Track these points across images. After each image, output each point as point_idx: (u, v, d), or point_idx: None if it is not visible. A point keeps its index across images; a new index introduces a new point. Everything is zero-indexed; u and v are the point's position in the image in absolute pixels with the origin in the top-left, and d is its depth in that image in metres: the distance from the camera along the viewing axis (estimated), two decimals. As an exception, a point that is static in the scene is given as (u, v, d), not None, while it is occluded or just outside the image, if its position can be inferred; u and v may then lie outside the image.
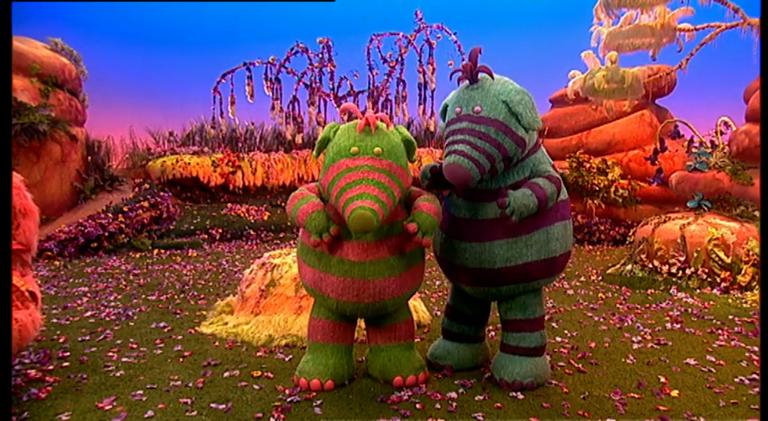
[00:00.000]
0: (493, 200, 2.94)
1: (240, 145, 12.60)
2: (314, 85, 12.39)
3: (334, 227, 2.80)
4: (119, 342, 3.95)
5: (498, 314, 3.29)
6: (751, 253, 5.70)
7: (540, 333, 3.15)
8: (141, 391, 3.01)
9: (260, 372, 3.32)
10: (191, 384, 3.13)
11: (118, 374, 3.28)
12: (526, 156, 3.03)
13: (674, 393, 2.99)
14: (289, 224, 10.72)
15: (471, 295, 3.28)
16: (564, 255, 3.13)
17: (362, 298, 2.84)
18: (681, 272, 5.82)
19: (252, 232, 10.50)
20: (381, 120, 2.86)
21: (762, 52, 5.30)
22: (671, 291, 5.63)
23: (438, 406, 2.82)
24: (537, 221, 2.96)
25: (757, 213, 6.17)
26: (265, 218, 10.96)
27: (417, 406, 2.82)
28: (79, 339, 4.01)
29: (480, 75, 2.93)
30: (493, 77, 2.94)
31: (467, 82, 2.98)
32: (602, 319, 4.61)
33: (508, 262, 2.95)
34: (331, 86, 12.47)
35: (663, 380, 3.20)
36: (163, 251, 8.83)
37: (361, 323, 3.40)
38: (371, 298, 2.85)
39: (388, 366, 3.11)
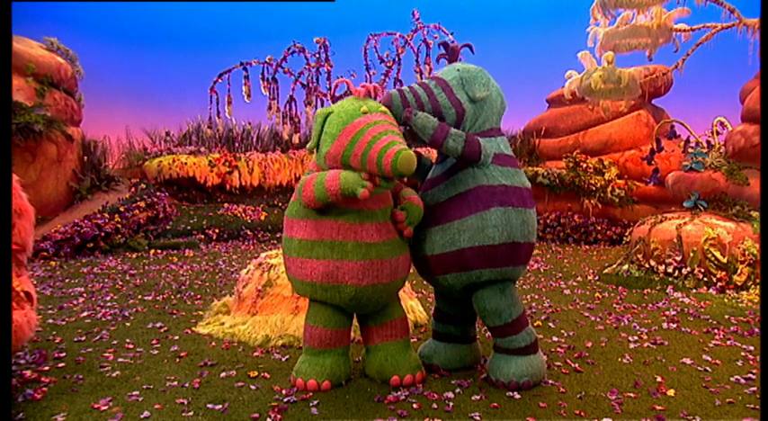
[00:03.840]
0: (434, 186, 3.14)
1: (237, 145, 12.57)
2: (311, 84, 12.36)
3: (365, 180, 2.76)
4: (115, 342, 3.94)
5: None
6: (747, 252, 5.71)
7: (526, 331, 3.11)
8: (137, 392, 3.00)
9: (257, 373, 3.31)
10: (187, 384, 3.12)
11: (114, 375, 3.28)
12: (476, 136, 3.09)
13: (671, 392, 3.00)
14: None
15: (447, 293, 3.30)
16: (505, 246, 2.93)
17: (381, 278, 2.94)
18: (677, 271, 5.84)
19: (249, 232, 10.49)
20: (374, 89, 3.07)
21: (762, 52, 5.32)
22: (667, 291, 5.64)
23: (435, 405, 2.82)
24: (469, 206, 2.95)
25: (753, 213, 6.19)
26: (262, 218, 10.94)
27: (414, 405, 2.82)
28: (75, 340, 4.00)
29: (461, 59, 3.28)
30: (473, 52, 3.31)
31: None
32: (598, 319, 4.62)
33: (444, 248, 3.01)
34: (328, 86, 12.46)
35: (659, 379, 3.20)
36: (159, 251, 8.81)
37: (357, 322, 3.39)
38: (388, 277, 2.98)
39: (385, 366, 3.12)
